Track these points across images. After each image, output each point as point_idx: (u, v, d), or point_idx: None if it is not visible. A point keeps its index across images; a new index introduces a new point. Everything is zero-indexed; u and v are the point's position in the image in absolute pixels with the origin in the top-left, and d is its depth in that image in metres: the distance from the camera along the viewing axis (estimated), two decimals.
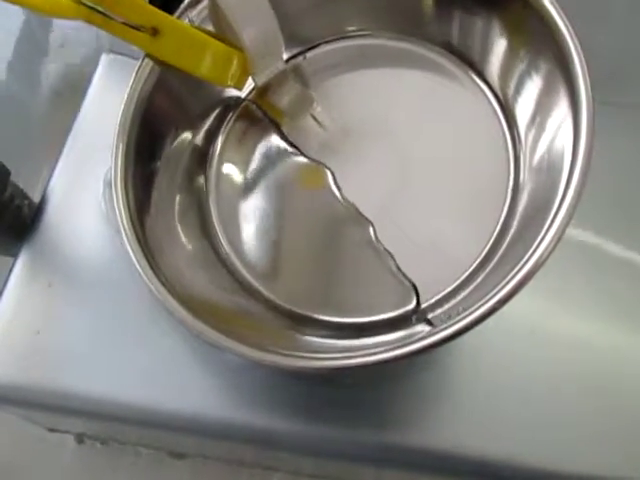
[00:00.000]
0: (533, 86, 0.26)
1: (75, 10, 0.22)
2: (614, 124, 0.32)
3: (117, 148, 0.25)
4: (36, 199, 0.33)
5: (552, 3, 0.24)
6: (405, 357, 0.19)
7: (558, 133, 0.24)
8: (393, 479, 0.34)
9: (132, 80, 0.26)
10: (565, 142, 0.23)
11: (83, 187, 0.33)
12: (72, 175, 0.33)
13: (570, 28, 0.23)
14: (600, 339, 0.28)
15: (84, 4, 0.22)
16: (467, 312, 0.20)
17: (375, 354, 0.20)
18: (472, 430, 0.27)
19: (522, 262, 0.20)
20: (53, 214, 0.32)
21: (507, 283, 0.20)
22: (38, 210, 0.32)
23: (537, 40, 0.25)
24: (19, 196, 0.32)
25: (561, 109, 0.24)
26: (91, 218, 0.32)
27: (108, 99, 0.34)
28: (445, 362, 0.28)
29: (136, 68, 0.26)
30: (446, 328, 0.20)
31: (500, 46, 0.27)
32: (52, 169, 0.34)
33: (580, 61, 0.22)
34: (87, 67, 0.38)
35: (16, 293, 0.30)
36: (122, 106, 0.26)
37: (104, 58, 0.37)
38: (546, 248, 0.20)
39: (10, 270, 0.31)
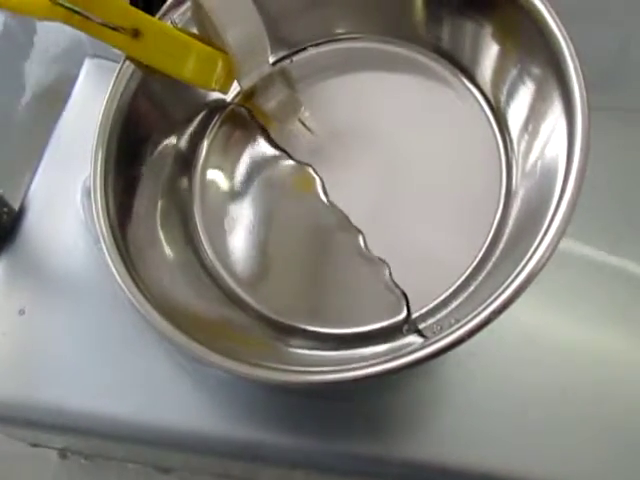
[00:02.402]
0: (526, 91, 0.26)
1: (50, 10, 0.21)
2: (609, 129, 0.31)
3: (96, 154, 0.25)
4: (16, 205, 0.33)
5: (545, 5, 0.23)
6: (396, 371, 0.19)
7: (552, 139, 0.23)
8: None
9: (112, 83, 0.26)
10: (559, 148, 0.22)
11: (64, 194, 0.32)
12: (53, 181, 0.33)
13: (564, 31, 0.23)
14: (597, 347, 0.28)
15: (60, 4, 0.21)
16: (460, 323, 0.19)
17: (366, 367, 0.19)
18: (467, 442, 0.27)
19: (517, 271, 0.20)
20: (33, 221, 0.32)
21: (502, 293, 0.20)
22: (18, 217, 0.32)
23: (530, 44, 0.25)
24: None
25: (555, 114, 0.23)
26: (71, 225, 0.31)
27: (91, 104, 0.33)
28: (439, 372, 0.28)
29: (117, 70, 0.26)
30: (439, 340, 0.19)
31: (491, 50, 0.27)
32: (32, 175, 0.33)
33: (575, 65, 0.22)
34: (70, 71, 0.37)
35: None
36: (102, 110, 0.25)
37: (87, 62, 0.36)
38: (542, 256, 0.20)
39: None
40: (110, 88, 0.26)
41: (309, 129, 0.29)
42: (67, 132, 0.34)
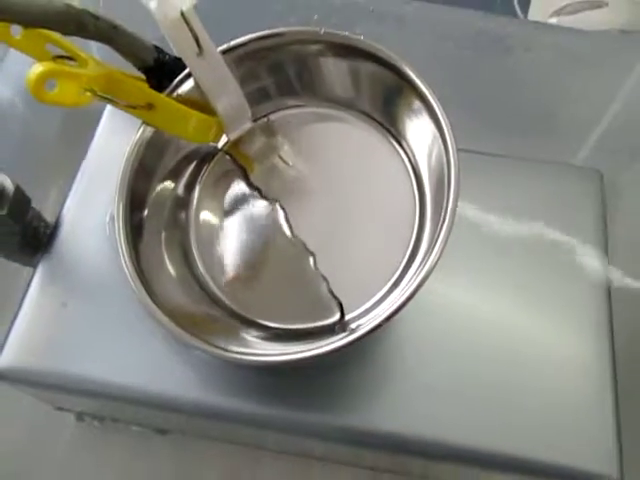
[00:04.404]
0: (426, 149, 0.33)
1: (88, 99, 0.27)
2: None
3: (119, 202, 0.31)
4: (47, 218, 0.38)
5: (425, 86, 0.31)
6: (309, 359, 0.27)
7: (442, 185, 0.30)
8: (343, 454, 0.41)
9: (132, 143, 0.32)
10: (444, 192, 0.30)
11: (92, 213, 0.38)
12: (82, 202, 0.39)
13: (438, 104, 0.30)
14: (510, 318, 0.34)
15: (95, 94, 0.27)
16: (362, 325, 0.27)
17: (289, 354, 0.27)
18: (405, 411, 0.32)
19: (408, 285, 0.28)
20: (66, 234, 0.38)
21: (396, 301, 0.28)
22: (53, 230, 0.38)
23: (424, 116, 0.32)
24: (37, 218, 0.37)
25: (442, 167, 0.31)
26: (97, 239, 0.37)
27: (113, 142, 0.40)
28: (377, 353, 0.34)
29: (136, 131, 0.33)
30: (338, 340, 0.27)
31: (405, 120, 0.34)
32: (65, 195, 0.39)
33: (448, 129, 0.30)
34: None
35: (33, 299, 0.36)
36: (122, 164, 0.32)
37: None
38: (425, 274, 0.28)
39: (31, 279, 0.37)
40: (129, 147, 0.32)
41: (287, 163, 0.36)
42: (93, 163, 0.40)
